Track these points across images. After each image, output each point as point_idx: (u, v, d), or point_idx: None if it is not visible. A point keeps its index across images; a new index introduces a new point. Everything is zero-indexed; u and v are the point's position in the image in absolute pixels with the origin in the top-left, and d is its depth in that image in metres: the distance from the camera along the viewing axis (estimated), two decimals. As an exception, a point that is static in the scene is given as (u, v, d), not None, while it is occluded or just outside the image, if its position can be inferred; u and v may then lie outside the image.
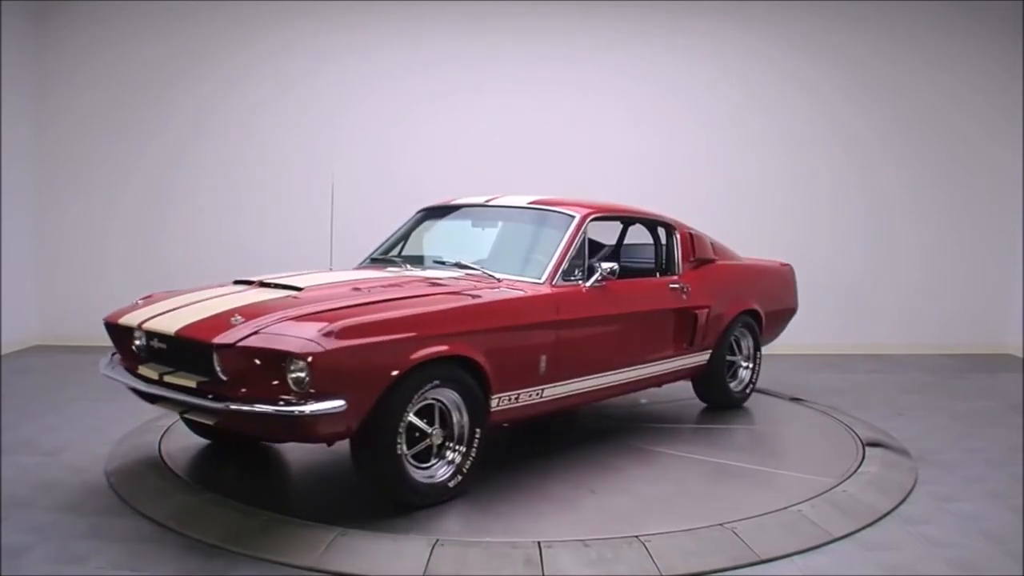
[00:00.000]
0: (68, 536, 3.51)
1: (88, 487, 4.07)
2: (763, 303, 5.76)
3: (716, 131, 7.94)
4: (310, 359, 3.23)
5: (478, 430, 3.84)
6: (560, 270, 4.35)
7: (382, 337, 3.46)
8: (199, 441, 4.56)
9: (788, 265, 6.34)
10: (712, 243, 5.54)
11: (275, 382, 3.31)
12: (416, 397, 3.58)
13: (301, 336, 3.32)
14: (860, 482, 4.23)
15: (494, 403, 3.93)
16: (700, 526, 3.60)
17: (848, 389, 6.46)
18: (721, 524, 3.62)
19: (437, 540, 3.40)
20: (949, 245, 8.13)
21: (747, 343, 5.73)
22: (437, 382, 3.64)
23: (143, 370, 3.83)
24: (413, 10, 7.67)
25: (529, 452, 4.65)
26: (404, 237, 5.10)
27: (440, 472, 3.77)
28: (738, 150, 7.97)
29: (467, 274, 4.39)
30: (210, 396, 3.46)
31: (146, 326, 3.80)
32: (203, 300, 3.89)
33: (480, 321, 3.84)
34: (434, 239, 5.06)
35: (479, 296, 4.00)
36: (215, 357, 3.41)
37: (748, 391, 5.76)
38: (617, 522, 3.65)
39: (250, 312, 3.58)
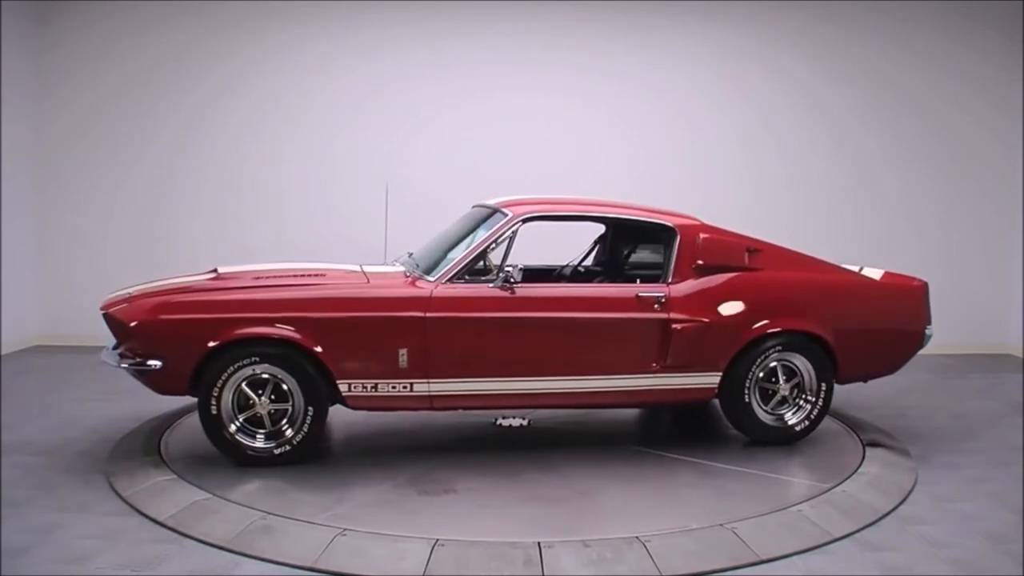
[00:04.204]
0: (68, 536, 3.51)
1: (88, 487, 4.08)
2: (830, 325, 4.75)
3: (715, 132, 7.91)
4: (132, 325, 4.15)
5: (311, 408, 4.23)
6: (458, 270, 4.40)
7: (196, 315, 4.18)
8: (199, 441, 4.56)
9: (916, 283, 5.17)
10: (755, 248, 4.78)
11: (131, 343, 4.19)
12: (233, 369, 4.16)
13: (138, 308, 4.22)
14: (860, 482, 4.24)
15: (344, 388, 4.26)
16: (700, 526, 3.61)
17: (848, 389, 6.42)
18: (721, 524, 3.63)
19: (437, 540, 3.40)
20: (949, 245, 8.11)
21: (807, 371, 4.80)
22: (256, 359, 4.17)
23: None
24: (413, 10, 7.66)
25: (530, 455, 4.66)
26: (446, 233, 5.21)
27: (269, 439, 4.27)
28: (736, 151, 7.95)
29: (402, 271, 4.72)
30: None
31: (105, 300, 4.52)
32: (155, 282, 4.65)
33: (310, 309, 4.24)
34: (446, 236, 5.09)
35: (327, 288, 4.43)
36: (105, 321, 4.32)
37: (800, 428, 4.80)
38: (617, 522, 3.66)
39: (151, 291, 4.42)
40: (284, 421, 4.28)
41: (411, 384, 4.30)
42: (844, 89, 7.95)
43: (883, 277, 5.23)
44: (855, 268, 5.30)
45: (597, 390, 4.56)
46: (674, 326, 4.50)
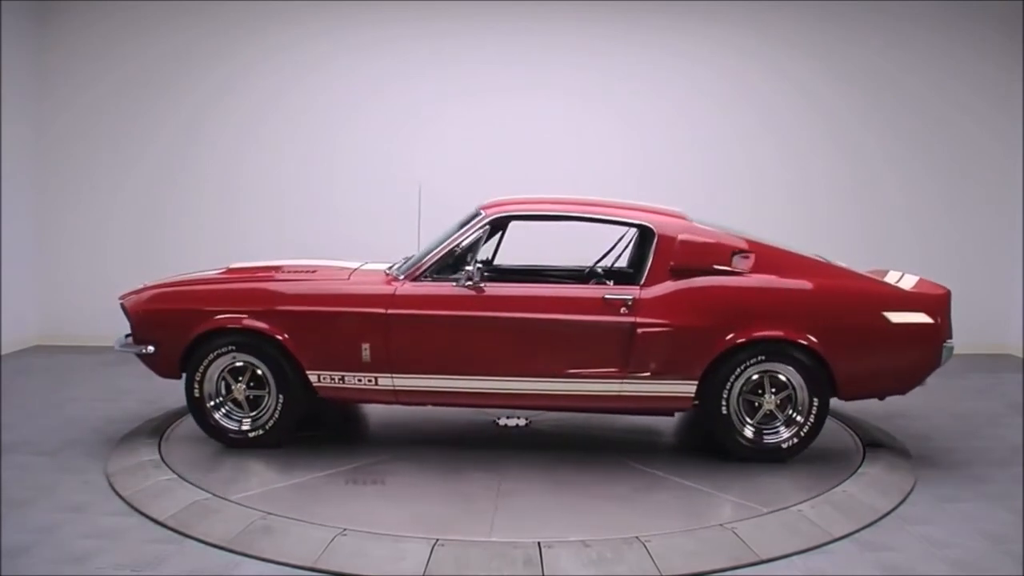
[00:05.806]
0: (68, 536, 3.52)
1: (88, 487, 4.09)
2: (825, 335, 4.34)
3: (715, 132, 7.91)
4: (132, 313, 4.63)
5: (281, 396, 4.49)
6: (424, 269, 4.49)
7: (180, 306, 4.59)
8: (199, 441, 4.57)
9: (937, 292, 4.62)
10: (745, 250, 4.51)
11: (134, 330, 4.65)
12: (213, 356, 4.50)
13: (139, 298, 4.67)
14: (860, 482, 4.23)
15: (314, 379, 4.47)
16: (700, 526, 3.61)
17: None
18: (721, 524, 3.63)
19: (437, 540, 3.41)
20: (949, 245, 8.10)
21: (798, 384, 4.42)
22: (232, 347, 4.49)
23: None
24: (413, 10, 7.65)
25: (535, 458, 4.66)
26: (442, 233, 5.21)
27: (245, 423, 4.58)
28: (736, 151, 7.94)
29: (384, 269, 4.82)
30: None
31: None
32: (173, 276, 4.99)
33: (279, 303, 4.49)
34: (439, 235, 5.08)
35: (300, 283, 4.64)
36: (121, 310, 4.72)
37: (787, 446, 4.43)
38: (617, 522, 3.65)
39: (158, 283, 4.80)
40: (259, 408, 4.57)
41: (375, 378, 4.42)
42: (844, 89, 7.94)
43: (917, 285, 4.73)
44: (896, 274, 4.90)
45: (561, 393, 4.43)
46: (639, 330, 4.30)
